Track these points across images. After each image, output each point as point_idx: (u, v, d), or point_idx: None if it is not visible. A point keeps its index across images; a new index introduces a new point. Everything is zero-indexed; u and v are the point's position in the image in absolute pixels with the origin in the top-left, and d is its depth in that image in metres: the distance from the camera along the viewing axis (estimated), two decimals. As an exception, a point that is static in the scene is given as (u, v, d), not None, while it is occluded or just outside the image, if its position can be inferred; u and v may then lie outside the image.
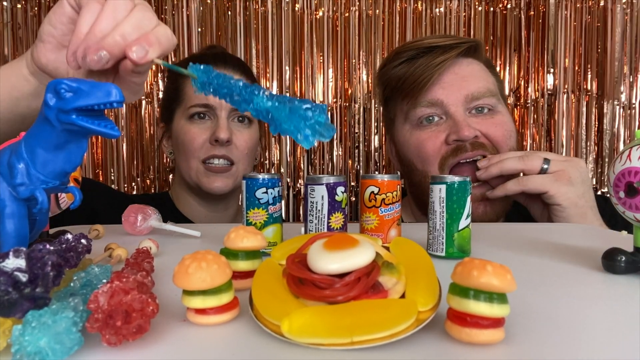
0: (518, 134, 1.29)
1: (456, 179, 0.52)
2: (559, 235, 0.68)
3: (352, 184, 1.42)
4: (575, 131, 1.40)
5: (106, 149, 1.39)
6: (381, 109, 1.39)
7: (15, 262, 0.30)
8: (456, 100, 0.90)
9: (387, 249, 0.39)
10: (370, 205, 0.55)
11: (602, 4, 1.38)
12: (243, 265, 0.41)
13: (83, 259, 0.43)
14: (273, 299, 0.33)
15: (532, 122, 1.41)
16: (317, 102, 1.39)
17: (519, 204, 0.94)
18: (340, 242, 0.33)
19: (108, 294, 0.28)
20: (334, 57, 1.40)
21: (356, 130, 1.41)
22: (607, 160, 1.40)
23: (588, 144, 1.40)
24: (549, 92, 1.40)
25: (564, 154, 1.40)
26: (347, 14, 1.39)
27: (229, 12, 1.38)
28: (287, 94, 1.38)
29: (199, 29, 1.38)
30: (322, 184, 0.53)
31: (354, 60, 1.40)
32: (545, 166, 0.83)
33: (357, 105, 1.41)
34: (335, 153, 1.41)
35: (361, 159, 1.42)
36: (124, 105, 1.35)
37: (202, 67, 0.46)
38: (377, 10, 1.39)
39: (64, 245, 0.39)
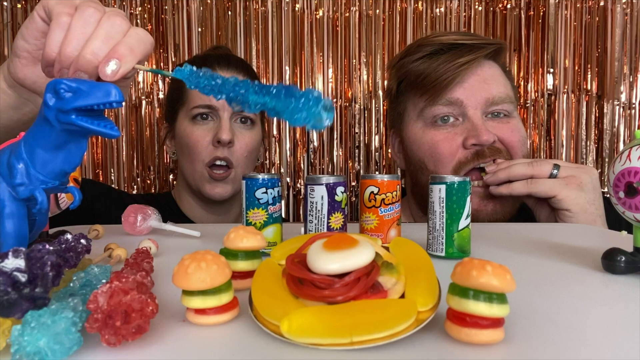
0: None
1: (456, 179, 0.52)
2: (558, 235, 0.68)
3: (353, 184, 1.42)
4: (575, 131, 1.40)
5: (106, 149, 1.39)
6: (385, 104, 1.39)
7: (14, 262, 0.30)
8: (476, 102, 0.88)
9: (387, 249, 0.39)
10: (370, 206, 0.55)
11: (602, 4, 1.38)
12: (243, 265, 0.41)
13: (82, 259, 0.43)
14: (272, 299, 0.33)
15: (532, 122, 1.41)
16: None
17: (524, 208, 0.94)
18: (339, 242, 0.33)
19: (107, 294, 0.28)
20: (334, 57, 1.40)
21: (356, 130, 1.41)
22: (607, 160, 1.40)
23: (588, 144, 1.40)
24: (549, 92, 1.40)
25: (564, 154, 1.40)
26: (347, 14, 1.39)
27: (229, 12, 1.38)
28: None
29: (199, 29, 1.38)
30: (322, 184, 0.53)
31: (354, 60, 1.40)
32: (555, 171, 0.82)
33: (357, 105, 1.41)
34: (335, 153, 1.41)
35: (361, 159, 1.42)
36: (124, 105, 1.35)
37: (187, 70, 0.46)
38: (377, 10, 1.39)
39: (63, 246, 0.39)
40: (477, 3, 1.40)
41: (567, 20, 1.39)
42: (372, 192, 0.55)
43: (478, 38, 0.91)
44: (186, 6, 1.37)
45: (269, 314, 0.31)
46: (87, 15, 0.46)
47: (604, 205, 0.83)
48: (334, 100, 1.40)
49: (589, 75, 1.40)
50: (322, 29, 1.39)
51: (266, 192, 0.54)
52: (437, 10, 1.40)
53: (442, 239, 0.53)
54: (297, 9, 1.38)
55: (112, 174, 1.39)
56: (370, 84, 1.40)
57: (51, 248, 0.34)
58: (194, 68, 0.46)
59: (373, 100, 1.41)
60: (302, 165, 1.41)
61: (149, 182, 1.40)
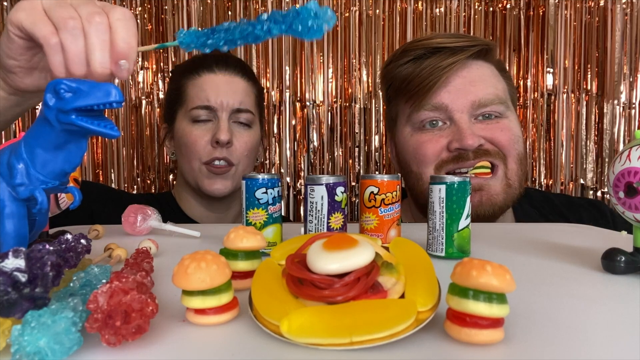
0: (525, 139, 1.27)
1: (456, 179, 0.52)
2: (558, 235, 0.68)
3: (352, 184, 1.42)
4: (575, 131, 1.40)
5: (106, 149, 1.39)
6: (384, 107, 1.39)
7: (14, 262, 0.30)
8: (462, 106, 0.86)
9: (387, 249, 0.39)
10: (370, 206, 0.55)
11: (602, 4, 1.38)
12: (242, 265, 0.41)
13: (82, 259, 0.43)
14: (272, 299, 0.33)
15: (531, 122, 1.41)
16: (317, 101, 1.39)
17: (528, 200, 0.92)
18: (339, 242, 0.33)
19: (107, 294, 0.28)
20: (334, 57, 1.39)
21: (356, 130, 1.41)
22: (607, 160, 1.40)
23: (588, 144, 1.40)
24: (549, 92, 1.40)
25: (563, 154, 1.40)
26: (347, 14, 1.39)
27: (229, 12, 1.38)
28: (287, 94, 1.39)
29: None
30: (322, 184, 0.53)
31: (354, 60, 1.40)
32: None
33: (357, 105, 1.41)
34: (335, 153, 1.41)
35: (361, 159, 1.42)
36: (124, 105, 1.35)
37: (184, 34, 0.51)
38: (377, 10, 1.39)
39: (63, 246, 0.39)
40: (477, 3, 1.40)
41: (567, 20, 1.39)
42: (372, 192, 0.55)
43: (463, 40, 0.89)
44: (186, 6, 1.37)
45: (268, 314, 0.31)
46: (72, 29, 0.47)
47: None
48: (334, 100, 1.40)
49: (589, 75, 1.40)
50: (322, 29, 1.39)
51: (266, 192, 0.54)
52: (437, 10, 1.40)
53: (442, 239, 0.53)
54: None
55: (112, 174, 1.39)
56: (370, 84, 1.40)
57: (51, 248, 0.34)
58: (192, 29, 0.50)
59: (373, 100, 1.41)
60: (302, 165, 1.41)
61: (149, 182, 1.40)
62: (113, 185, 1.39)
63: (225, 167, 0.98)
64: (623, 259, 0.46)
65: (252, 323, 0.33)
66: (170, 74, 1.16)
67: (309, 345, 0.28)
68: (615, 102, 1.38)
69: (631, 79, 1.38)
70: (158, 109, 1.40)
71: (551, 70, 1.40)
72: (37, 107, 1.36)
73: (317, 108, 1.40)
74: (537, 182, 1.41)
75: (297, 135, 1.41)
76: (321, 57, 1.39)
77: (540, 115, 1.41)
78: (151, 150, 1.40)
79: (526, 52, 1.40)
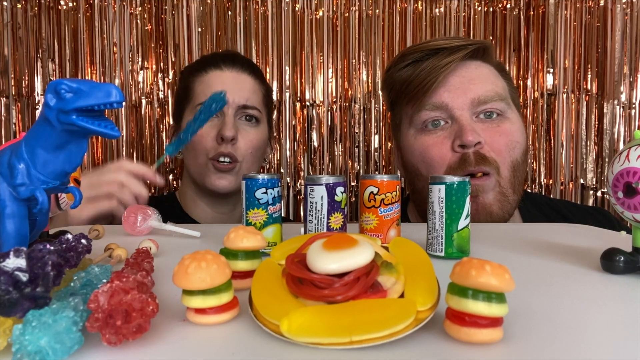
0: (528, 144, 1.26)
1: (455, 179, 0.52)
2: (557, 235, 0.68)
3: (352, 184, 1.42)
4: (575, 131, 1.40)
5: (106, 149, 1.39)
6: (384, 108, 1.39)
7: (15, 262, 0.30)
8: (462, 103, 0.87)
9: (386, 248, 0.40)
10: (370, 206, 0.56)
11: (602, 4, 1.38)
12: (243, 265, 0.41)
13: (83, 259, 0.43)
14: (272, 298, 0.33)
15: (532, 122, 1.41)
16: (317, 101, 1.39)
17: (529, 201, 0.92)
18: (339, 242, 0.33)
19: (108, 293, 0.29)
20: (334, 57, 1.40)
21: (356, 130, 1.41)
22: (607, 160, 1.40)
23: (588, 144, 1.40)
24: (549, 92, 1.40)
25: (563, 154, 1.40)
26: (347, 14, 1.39)
27: (229, 12, 1.38)
28: (287, 94, 1.39)
29: (199, 29, 1.38)
30: (322, 184, 0.53)
31: (354, 60, 1.40)
32: None
33: (357, 105, 1.41)
34: (335, 153, 1.41)
35: (361, 159, 1.42)
36: (124, 105, 1.35)
37: (168, 152, 0.82)
38: (377, 10, 1.39)
39: (64, 245, 0.39)
40: (477, 3, 1.40)
41: (567, 20, 1.39)
42: (372, 192, 0.55)
43: (459, 40, 0.90)
44: (186, 6, 1.37)
45: (268, 313, 0.31)
46: (116, 192, 0.80)
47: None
48: (334, 100, 1.40)
49: (589, 75, 1.40)
50: (322, 29, 1.39)
51: (266, 193, 0.54)
52: (437, 10, 1.40)
53: (442, 239, 0.53)
54: (297, 9, 1.38)
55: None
56: (370, 84, 1.40)
57: (52, 248, 0.34)
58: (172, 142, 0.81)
59: (373, 100, 1.41)
60: (302, 165, 1.42)
61: (148, 182, 1.40)
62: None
63: (231, 165, 0.97)
64: (622, 258, 0.46)
65: (252, 323, 0.33)
66: (180, 74, 1.16)
67: (309, 344, 0.29)
68: (615, 102, 1.38)
69: (631, 79, 1.38)
70: (158, 109, 1.40)
71: (551, 70, 1.40)
72: (37, 107, 1.37)
73: (317, 108, 1.40)
74: (537, 182, 1.42)
75: (297, 135, 1.41)
76: (321, 57, 1.39)
77: (540, 115, 1.41)
78: (151, 150, 1.40)
79: (526, 52, 1.40)
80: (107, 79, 1.37)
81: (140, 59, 1.38)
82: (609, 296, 0.41)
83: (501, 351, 0.29)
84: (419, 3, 1.40)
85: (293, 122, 1.40)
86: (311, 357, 0.28)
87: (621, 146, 1.40)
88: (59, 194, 0.53)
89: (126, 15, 1.37)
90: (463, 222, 0.52)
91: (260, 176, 0.54)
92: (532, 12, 1.40)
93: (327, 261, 0.32)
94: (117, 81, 1.37)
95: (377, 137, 1.42)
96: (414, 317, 0.30)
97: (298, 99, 1.40)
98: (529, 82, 1.41)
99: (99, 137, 1.36)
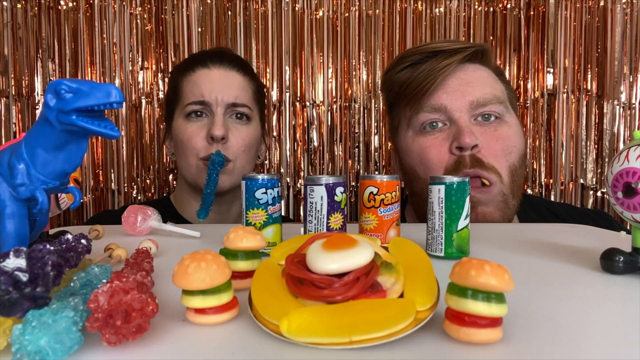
0: (526, 148, 1.25)
1: (455, 179, 0.52)
2: (557, 235, 0.68)
3: (352, 184, 1.42)
4: (575, 131, 1.40)
5: (106, 150, 1.39)
6: (384, 109, 1.39)
7: (15, 262, 0.30)
8: (460, 106, 0.87)
9: (386, 249, 0.40)
10: (370, 206, 0.56)
11: (602, 4, 1.38)
12: (242, 265, 0.41)
13: (83, 259, 0.43)
14: (272, 298, 0.33)
15: (532, 122, 1.41)
16: (317, 101, 1.39)
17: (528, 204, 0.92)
18: (339, 242, 0.33)
19: (108, 293, 0.29)
20: (334, 57, 1.40)
21: (356, 130, 1.41)
22: (607, 160, 1.40)
23: (588, 144, 1.40)
24: (549, 92, 1.40)
25: (563, 154, 1.40)
26: (347, 14, 1.39)
27: (229, 12, 1.38)
28: (287, 94, 1.39)
29: (199, 29, 1.38)
30: (322, 185, 0.53)
31: (354, 60, 1.40)
32: None
33: (357, 105, 1.41)
34: (335, 153, 1.42)
35: (361, 159, 1.42)
36: (124, 105, 1.35)
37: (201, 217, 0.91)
38: (377, 10, 1.39)
39: (64, 245, 0.39)
40: (477, 3, 1.40)
41: (567, 20, 1.39)
42: (372, 192, 0.55)
43: (458, 43, 0.90)
44: (186, 6, 1.37)
45: (268, 313, 0.31)
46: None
47: None
48: (334, 100, 1.40)
49: (589, 75, 1.40)
50: (322, 29, 1.39)
51: (266, 193, 0.54)
52: (437, 10, 1.40)
53: (441, 239, 0.53)
54: (297, 9, 1.38)
55: (112, 174, 1.39)
56: (370, 84, 1.40)
57: (52, 248, 0.34)
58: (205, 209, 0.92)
59: (373, 100, 1.41)
60: (302, 165, 1.42)
61: (148, 182, 1.41)
62: (113, 186, 1.39)
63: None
64: (622, 259, 0.46)
65: (252, 323, 0.33)
66: (169, 75, 1.16)
67: (309, 344, 0.29)
68: (615, 102, 1.38)
69: (631, 79, 1.38)
70: (158, 109, 1.40)
71: (551, 70, 1.40)
72: (37, 107, 1.37)
73: (317, 108, 1.40)
74: (537, 182, 1.41)
75: (297, 135, 1.41)
76: (321, 57, 1.39)
77: (540, 115, 1.41)
78: (151, 150, 1.40)
79: (526, 52, 1.40)
80: (107, 79, 1.37)
81: (140, 59, 1.38)
82: (609, 296, 0.41)
83: (501, 351, 0.29)
84: (419, 3, 1.40)
85: (293, 122, 1.40)
86: (311, 357, 0.28)
87: (621, 146, 1.40)
88: (59, 194, 0.53)
89: (126, 15, 1.37)
90: (463, 222, 0.52)
91: (260, 176, 0.54)
92: (532, 12, 1.40)
93: (327, 261, 0.32)
94: (117, 81, 1.38)
95: (377, 137, 1.42)
96: (414, 317, 0.30)
97: (298, 99, 1.40)
98: (529, 82, 1.41)
99: (99, 137, 1.36)
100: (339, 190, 0.53)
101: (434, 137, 0.89)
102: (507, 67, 1.41)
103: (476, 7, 1.40)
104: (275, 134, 1.40)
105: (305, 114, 1.40)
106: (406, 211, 1.05)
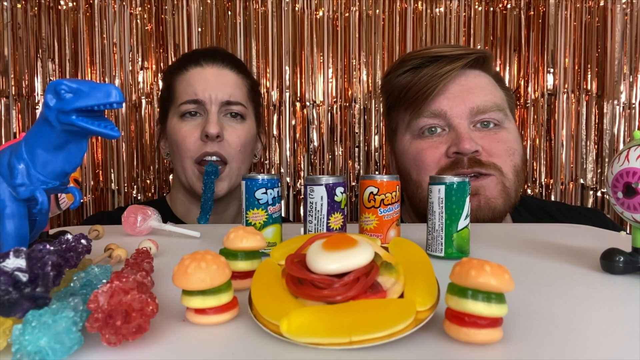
0: (525, 152, 1.26)
1: (455, 179, 0.52)
2: (557, 236, 0.68)
3: (352, 184, 1.42)
4: (575, 131, 1.40)
5: (106, 150, 1.39)
6: (385, 119, 1.39)
7: (15, 262, 0.30)
8: (461, 112, 0.87)
9: (386, 249, 0.40)
10: (370, 206, 0.56)
11: (602, 4, 1.38)
12: (242, 265, 0.41)
13: (83, 259, 0.43)
14: (272, 299, 0.33)
15: (532, 122, 1.41)
16: (317, 101, 1.39)
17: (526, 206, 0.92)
18: (339, 242, 0.33)
19: (108, 293, 0.29)
20: (334, 57, 1.40)
21: (356, 130, 1.41)
22: (607, 160, 1.40)
23: (588, 144, 1.40)
24: (549, 92, 1.40)
25: (563, 154, 1.40)
26: (347, 14, 1.39)
27: (229, 12, 1.38)
28: (287, 94, 1.39)
29: (199, 29, 1.38)
30: (322, 185, 0.53)
31: (354, 61, 1.40)
32: None
33: (357, 105, 1.41)
34: (335, 153, 1.41)
35: (361, 159, 1.42)
36: (124, 105, 1.35)
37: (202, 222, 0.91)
38: (377, 10, 1.39)
39: (64, 246, 0.39)
40: (477, 3, 1.40)
41: (567, 20, 1.39)
42: (372, 192, 0.55)
43: (460, 49, 0.90)
44: (186, 6, 1.37)
45: (268, 313, 0.31)
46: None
47: None
48: (334, 100, 1.40)
49: (589, 75, 1.40)
50: (322, 29, 1.39)
51: (266, 193, 0.54)
52: (437, 10, 1.40)
53: (442, 239, 0.53)
54: (297, 9, 1.38)
55: (112, 174, 1.39)
56: (370, 84, 1.40)
57: (52, 248, 0.34)
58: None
59: (373, 100, 1.41)
60: (302, 165, 1.42)
61: (148, 182, 1.41)
62: (113, 186, 1.39)
63: (220, 169, 0.95)
64: (622, 259, 0.46)
65: (252, 323, 0.33)
66: (163, 74, 1.15)
67: (309, 344, 0.29)
68: (615, 102, 1.38)
69: (631, 79, 1.38)
70: (158, 109, 1.40)
71: (551, 70, 1.40)
72: (37, 107, 1.37)
73: (317, 108, 1.40)
74: (537, 182, 1.41)
75: (297, 135, 1.41)
76: (321, 57, 1.39)
77: (541, 115, 1.41)
78: (151, 150, 1.40)
79: (526, 52, 1.40)
80: (107, 79, 1.37)
81: (140, 59, 1.38)
82: (609, 296, 0.41)
83: (501, 351, 0.29)
84: (419, 3, 1.40)
85: (293, 122, 1.40)
86: (311, 357, 0.28)
87: (621, 146, 1.40)
88: (59, 194, 0.53)
89: (126, 15, 1.37)
90: (463, 222, 0.52)
91: (260, 176, 0.54)
92: (532, 12, 1.40)
93: (327, 261, 0.32)
94: (117, 81, 1.37)
95: (377, 137, 1.42)
96: (414, 317, 0.30)
97: (298, 99, 1.40)
98: (529, 82, 1.41)
99: (99, 137, 1.36)
100: (339, 190, 0.53)
101: (432, 141, 0.89)
102: (507, 67, 1.41)
103: (476, 7, 1.40)
104: (275, 134, 1.40)
105: (305, 114, 1.40)
106: (403, 211, 1.05)
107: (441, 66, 0.87)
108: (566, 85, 1.40)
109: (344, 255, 0.32)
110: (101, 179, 1.40)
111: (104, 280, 0.35)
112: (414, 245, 0.40)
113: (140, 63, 1.38)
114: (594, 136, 1.41)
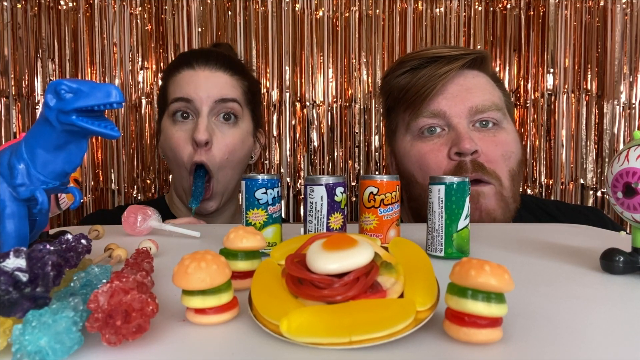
0: (524, 154, 1.26)
1: (455, 179, 0.52)
2: (557, 235, 0.68)
3: (352, 184, 1.42)
4: (575, 131, 1.40)
5: (106, 150, 1.39)
6: (385, 120, 1.39)
7: (15, 262, 0.30)
8: (459, 112, 0.87)
9: (386, 249, 0.40)
10: (370, 206, 0.56)
11: (602, 4, 1.38)
12: (242, 265, 0.41)
13: (83, 259, 0.43)
14: (272, 298, 0.33)
15: (532, 122, 1.41)
16: (317, 101, 1.39)
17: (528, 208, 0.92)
18: (339, 242, 0.33)
19: (108, 293, 0.29)
20: (334, 57, 1.40)
21: (356, 130, 1.41)
22: (607, 160, 1.40)
23: (588, 144, 1.40)
24: (549, 92, 1.40)
25: (563, 154, 1.40)
26: (347, 14, 1.39)
27: (229, 12, 1.38)
28: (287, 94, 1.39)
29: (199, 29, 1.38)
30: (322, 185, 0.53)
31: (354, 60, 1.40)
32: None
33: (357, 105, 1.41)
34: (335, 153, 1.42)
35: (361, 159, 1.42)
36: (124, 105, 1.35)
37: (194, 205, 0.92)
38: (377, 10, 1.39)
39: (64, 246, 0.39)
40: (477, 3, 1.40)
41: (567, 20, 1.39)
42: (372, 192, 0.55)
43: (458, 49, 0.91)
44: (186, 6, 1.37)
45: (268, 313, 0.31)
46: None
47: None
48: (334, 100, 1.40)
49: (589, 75, 1.40)
50: (322, 29, 1.39)
51: (266, 193, 0.54)
52: (437, 10, 1.40)
53: (441, 239, 0.53)
54: (297, 9, 1.38)
55: (112, 174, 1.39)
56: (370, 84, 1.40)
57: (52, 248, 0.34)
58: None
59: (373, 100, 1.41)
60: (302, 165, 1.42)
61: (149, 182, 1.41)
62: (113, 186, 1.39)
63: (207, 192, 0.95)
64: (622, 259, 0.46)
65: (251, 323, 0.33)
66: (162, 74, 1.14)
67: (309, 344, 0.29)
68: (615, 102, 1.38)
69: (631, 79, 1.38)
70: (158, 109, 1.40)
71: (551, 70, 1.40)
72: (37, 107, 1.37)
73: (317, 108, 1.40)
74: (537, 182, 1.41)
75: (297, 135, 1.41)
76: (321, 57, 1.39)
77: (541, 115, 1.41)
78: (151, 150, 1.40)
79: (526, 52, 1.40)
80: (107, 79, 1.37)
81: (140, 59, 1.38)
82: (609, 296, 0.41)
83: (500, 351, 0.29)
84: (419, 3, 1.40)
85: (293, 122, 1.40)
86: (311, 357, 0.28)
87: (621, 146, 1.40)
88: (59, 194, 0.53)
89: (126, 15, 1.37)
90: (463, 222, 0.52)
91: (260, 176, 0.54)
92: (532, 12, 1.40)
93: (327, 261, 0.32)
94: (117, 81, 1.38)
95: (377, 137, 1.42)
96: (414, 317, 0.30)
97: (298, 99, 1.40)
98: (529, 82, 1.41)
99: (99, 137, 1.36)
100: (339, 190, 0.53)
101: (433, 143, 0.89)
102: (507, 67, 1.41)
103: (476, 7, 1.40)
104: (275, 134, 1.40)
105: (305, 114, 1.40)
106: (402, 211, 1.05)
107: (440, 67, 0.87)
108: (566, 86, 1.40)
109: (344, 255, 0.32)
110: (101, 179, 1.40)
111: (104, 280, 0.35)
112: (414, 245, 0.40)
113: (140, 63, 1.38)
114: (594, 136, 1.41)
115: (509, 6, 1.40)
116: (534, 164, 1.42)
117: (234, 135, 0.96)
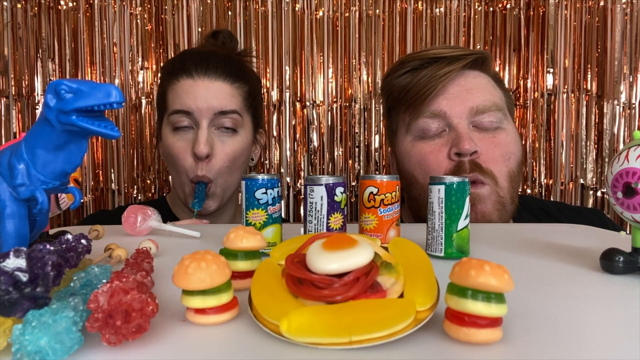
0: (524, 154, 1.26)
1: (455, 179, 0.52)
2: (557, 236, 0.68)
3: (353, 184, 1.42)
4: (575, 131, 1.40)
5: (106, 150, 1.39)
6: (385, 120, 1.39)
7: (15, 262, 0.30)
8: (460, 112, 0.87)
9: (386, 249, 0.40)
10: (370, 206, 0.56)
11: (602, 4, 1.38)
12: (242, 265, 0.41)
13: (83, 259, 0.43)
14: (272, 298, 0.33)
15: (531, 122, 1.41)
16: (317, 101, 1.39)
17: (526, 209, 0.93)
18: (339, 242, 0.33)
19: (108, 293, 0.29)
20: (334, 57, 1.40)
21: (356, 130, 1.41)
22: (607, 160, 1.40)
23: (588, 144, 1.40)
24: (549, 92, 1.40)
25: (563, 154, 1.40)
26: (347, 14, 1.39)
27: (229, 12, 1.38)
28: (287, 94, 1.39)
29: (199, 29, 1.38)
30: (321, 185, 0.53)
31: (354, 60, 1.40)
32: None
33: (357, 105, 1.41)
34: (335, 153, 1.42)
35: (361, 159, 1.42)
36: (124, 105, 1.35)
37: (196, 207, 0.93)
38: (377, 10, 1.39)
39: (64, 246, 0.39)
40: (477, 3, 1.40)
41: (567, 20, 1.39)
42: (372, 192, 0.55)
43: (459, 50, 0.91)
44: (186, 6, 1.37)
45: (268, 313, 0.31)
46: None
47: None
48: (334, 100, 1.40)
49: (589, 75, 1.40)
50: (322, 29, 1.39)
51: (266, 193, 0.54)
52: (437, 10, 1.40)
53: (441, 239, 0.53)
54: (297, 9, 1.38)
55: (112, 174, 1.39)
56: (370, 84, 1.40)
57: (52, 248, 0.34)
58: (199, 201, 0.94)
59: (373, 100, 1.41)
60: (302, 165, 1.42)
61: (149, 182, 1.41)
62: (113, 186, 1.39)
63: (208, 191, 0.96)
64: (622, 259, 0.46)
65: (251, 323, 0.33)
66: (160, 72, 1.13)
67: (309, 344, 0.29)
68: (615, 102, 1.38)
69: (631, 79, 1.38)
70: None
71: (551, 70, 1.40)
72: (37, 107, 1.37)
73: (317, 108, 1.40)
74: (537, 182, 1.42)
75: (297, 135, 1.41)
76: (321, 57, 1.39)
77: (540, 115, 1.41)
78: (151, 150, 1.40)
79: (526, 52, 1.40)
80: (107, 79, 1.37)
81: (140, 59, 1.38)
82: (609, 296, 0.41)
83: (500, 351, 0.29)
84: (419, 3, 1.40)
85: (293, 122, 1.40)
86: (311, 357, 0.28)
87: (621, 146, 1.40)
88: (59, 194, 0.53)
89: (126, 15, 1.37)
90: (463, 222, 0.52)
91: (260, 176, 0.54)
92: (532, 12, 1.40)
93: (327, 261, 0.32)
94: (117, 81, 1.38)
95: (377, 137, 1.42)
96: (414, 317, 0.30)
97: (298, 99, 1.40)
98: (529, 82, 1.41)
99: (99, 137, 1.36)
100: (339, 190, 0.53)
101: (433, 143, 0.89)
102: (507, 67, 1.41)
103: (476, 7, 1.40)
104: (275, 134, 1.40)
105: (305, 114, 1.40)
106: (402, 211, 1.05)
107: (440, 67, 0.87)
108: (566, 85, 1.40)
109: (343, 255, 0.32)
110: (101, 179, 1.40)
111: (104, 280, 0.35)
112: (414, 245, 0.40)
113: (140, 63, 1.38)
114: (594, 136, 1.41)
115: (508, 6, 1.40)
116: (534, 164, 1.42)
117: (234, 144, 0.96)
